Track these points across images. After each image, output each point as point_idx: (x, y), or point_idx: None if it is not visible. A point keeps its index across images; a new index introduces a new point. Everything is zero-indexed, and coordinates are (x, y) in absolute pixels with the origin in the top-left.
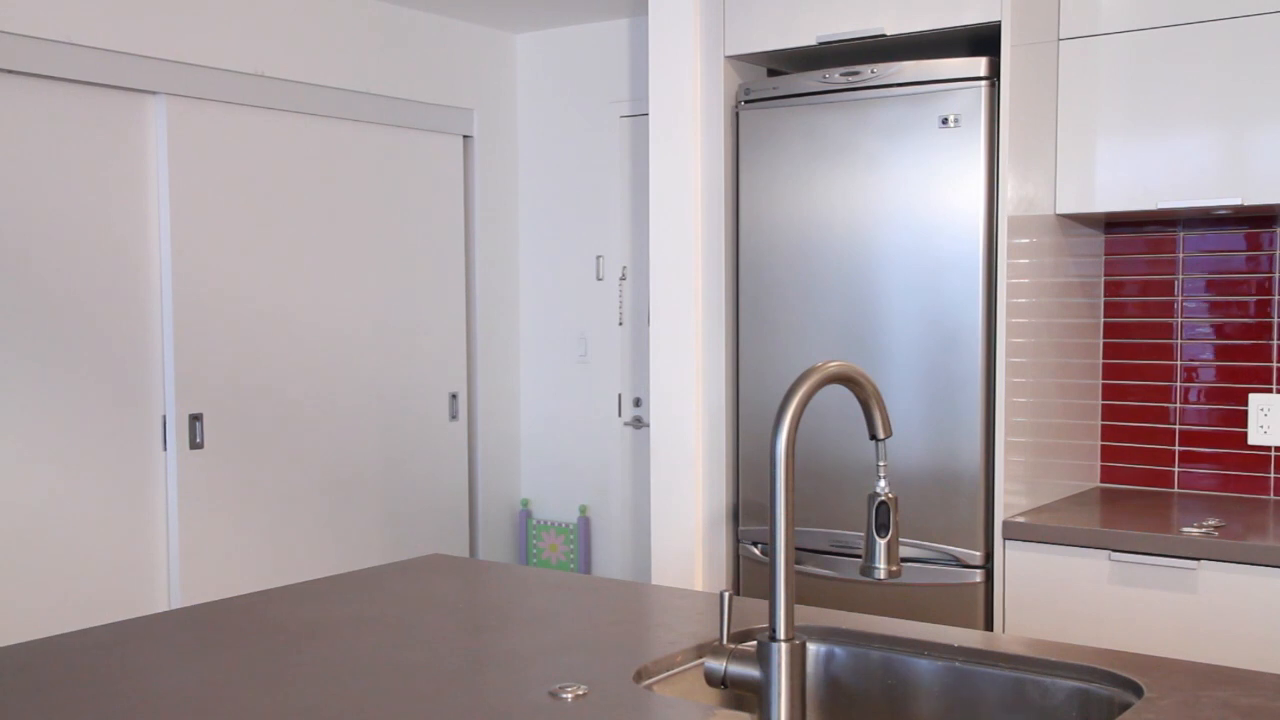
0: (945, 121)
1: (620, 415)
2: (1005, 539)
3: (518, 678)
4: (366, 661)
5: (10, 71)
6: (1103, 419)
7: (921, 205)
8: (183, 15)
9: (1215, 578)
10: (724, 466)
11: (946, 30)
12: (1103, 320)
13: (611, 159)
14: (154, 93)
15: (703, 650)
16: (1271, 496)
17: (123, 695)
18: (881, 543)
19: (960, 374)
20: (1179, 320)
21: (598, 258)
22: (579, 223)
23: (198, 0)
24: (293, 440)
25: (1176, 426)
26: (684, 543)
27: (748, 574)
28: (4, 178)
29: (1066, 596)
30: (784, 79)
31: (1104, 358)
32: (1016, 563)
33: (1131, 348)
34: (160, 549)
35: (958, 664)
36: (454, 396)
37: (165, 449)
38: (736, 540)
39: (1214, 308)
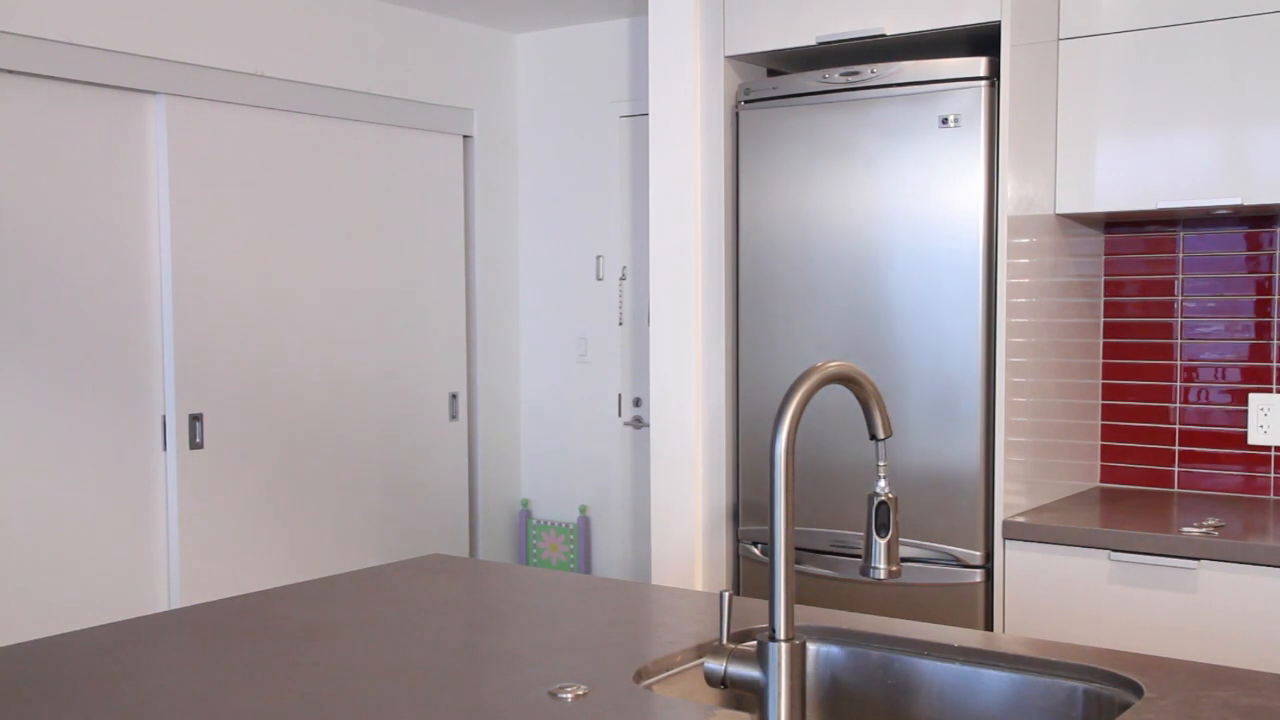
0: (945, 121)
1: (620, 415)
2: (1005, 539)
3: (518, 678)
4: (366, 661)
5: (10, 71)
6: (1103, 419)
7: (921, 205)
8: (183, 15)
9: (1215, 578)
10: (724, 466)
11: (946, 30)
12: (1103, 320)
13: (611, 159)
14: (154, 93)
15: (703, 650)
16: (1271, 496)
17: (123, 695)
18: (881, 543)
19: (960, 374)
20: (1179, 320)
21: (598, 258)
22: (579, 223)
23: (198, 0)
24: (293, 440)
25: (1176, 426)
26: (684, 543)
27: (748, 574)
28: (4, 178)
29: (1066, 596)
30: (784, 79)
31: (1104, 358)
32: (1016, 563)
33: (1131, 348)
34: (160, 549)
35: (958, 664)
36: (454, 396)
37: (165, 449)
38: (736, 540)
39: (1214, 308)
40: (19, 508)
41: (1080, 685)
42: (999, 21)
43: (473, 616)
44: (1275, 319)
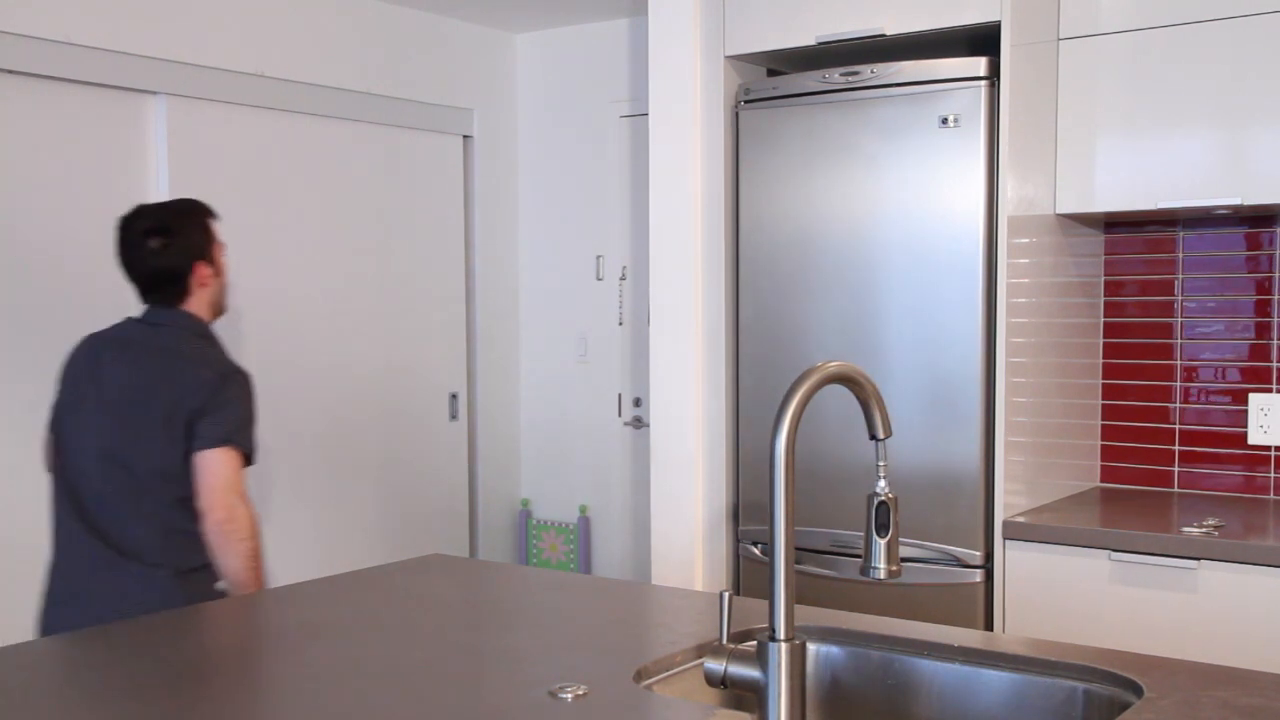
0: (945, 121)
1: (620, 415)
2: (1005, 539)
3: (518, 678)
4: (366, 661)
5: (10, 71)
6: (1103, 419)
7: (921, 205)
8: (183, 15)
9: (1215, 578)
10: (724, 466)
11: (946, 30)
12: (1103, 320)
13: (611, 159)
14: (154, 93)
15: (703, 650)
16: (1271, 496)
17: (122, 695)
18: (881, 543)
19: (960, 374)
20: (1179, 320)
21: (598, 258)
22: (579, 223)
23: (198, 0)
24: (292, 440)
25: (1176, 426)
26: (684, 543)
27: (748, 574)
28: (4, 178)
29: (1066, 596)
30: (784, 79)
31: (1104, 358)
32: (1016, 563)
33: (1131, 348)
34: None
35: (958, 664)
36: (454, 396)
37: None
38: (736, 540)
39: (1214, 308)
40: (19, 508)
41: (1080, 685)
42: (999, 21)
43: (473, 616)
44: (1275, 319)
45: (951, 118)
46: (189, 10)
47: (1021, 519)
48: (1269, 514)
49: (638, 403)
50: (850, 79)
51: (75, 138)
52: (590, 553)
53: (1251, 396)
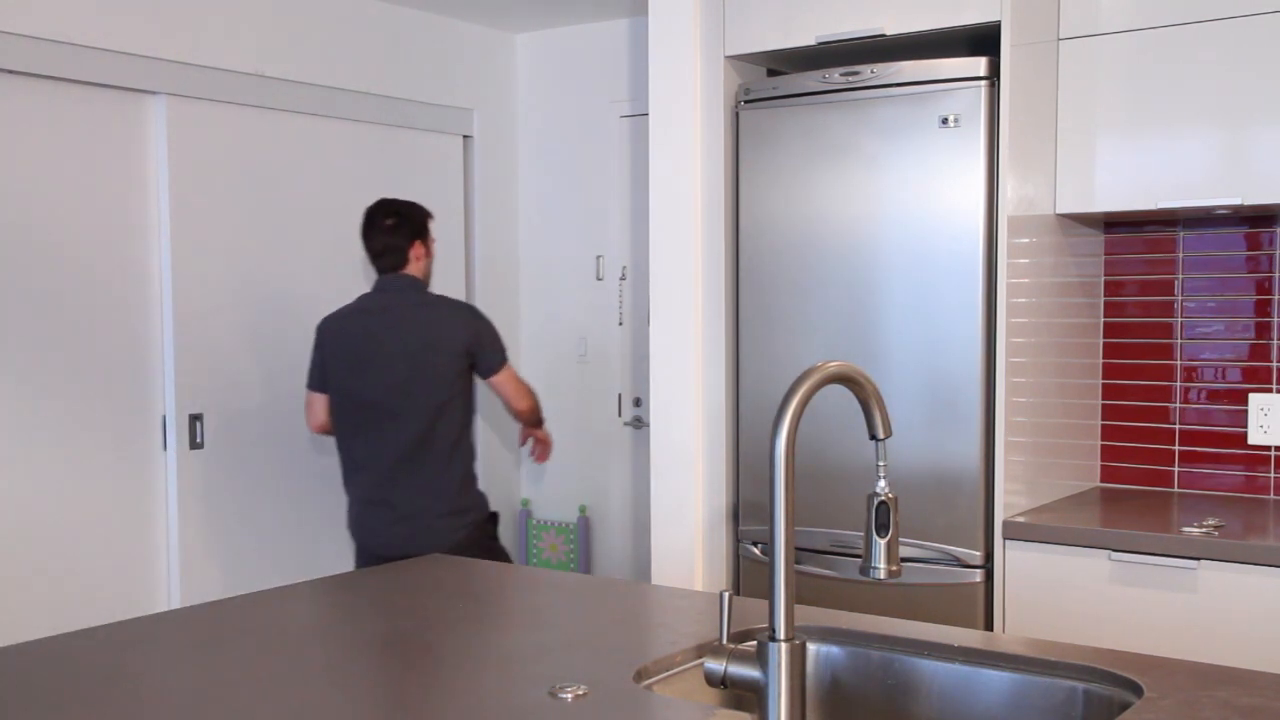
0: (945, 121)
1: (620, 415)
2: (1005, 539)
3: (518, 677)
4: (365, 662)
5: (10, 71)
6: (1103, 419)
7: (921, 205)
8: (183, 15)
9: (1215, 578)
10: (724, 466)
11: (946, 30)
12: (1103, 320)
13: (611, 159)
14: (154, 93)
15: (703, 650)
16: (1271, 496)
17: (123, 695)
18: (881, 543)
19: (960, 374)
20: (1179, 320)
21: (598, 258)
22: (579, 223)
23: (198, 0)
24: (293, 440)
25: (1176, 426)
26: (684, 543)
27: (748, 574)
28: (4, 178)
29: (1066, 596)
30: (784, 79)
31: (1104, 358)
32: (1016, 563)
33: (1131, 348)
34: (160, 549)
35: (958, 664)
36: None
37: (165, 449)
38: (736, 540)
39: (1214, 308)
40: (19, 507)
41: (1080, 685)
42: (999, 21)
43: (473, 616)
44: (1275, 319)
45: (951, 118)
46: (189, 10)
47: (1021, 519)
48: (1269, 514)
49: (638, 403)
50: (850, 79)
51: (75, 138)
52: (590, 553)
53: (1251, 396)
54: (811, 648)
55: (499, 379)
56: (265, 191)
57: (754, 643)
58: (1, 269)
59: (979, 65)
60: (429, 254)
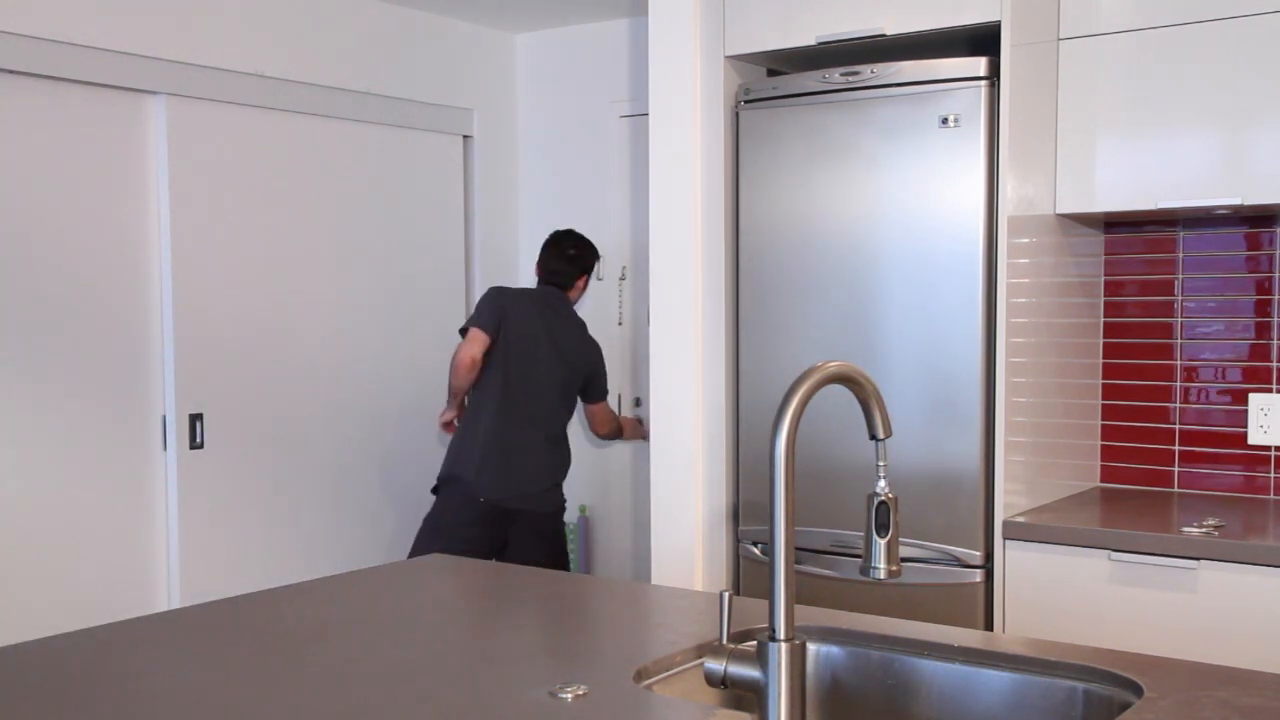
0: (945, 121)
1: (620, 415)
2: (1005, 539)
3: (518, 678)
4: (366, 661)
5: (10, 71)
6: (1103, 419)
7: (921, 205)
8: (183, 15)
9: (1215, 578)
10: (724, 466)
11: (946, 30)
12: (1103, 320)
13: (611, 159)
14: (154, 93)
15: (703, 650)
16: (1271, 496)
17: (123, 695)
18: (881, 543)
19: (960, 374)
20: (1179, 320)
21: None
22: (579, 223)
23: (198, 0)
24: (292, 440)
25: (1176, 426)
26: (684, 543)
27: (748, 574)
28: (4, 178)
29: (1066, 596)
30: (784, 79)
31: (1104, 358)
32: (1016, 563)
33: (1131, 348)
34: (160, 549)
35: (958, 664)
36: None
37: (165, 449)
38: (736, 540)
39: (1214, 308)
40: (19, 508)
41: (1080, 685)
42: (999, 21)
43: (473, 616)
44: (1275, 319)
45: (951, 118)
46: (189, 10)
47: (1021, 519)
48: (1269, 514)
49: (638, 403)
50: (850, 79)
51: (75, 138)
52: (590, 553)
53: (1251, 396)
54: (811, 648)
55: (596, 408)
56: (265, 191)
57: (754, 643)
58: (1, 269)
59: (979, 65)
60: (584, 290)
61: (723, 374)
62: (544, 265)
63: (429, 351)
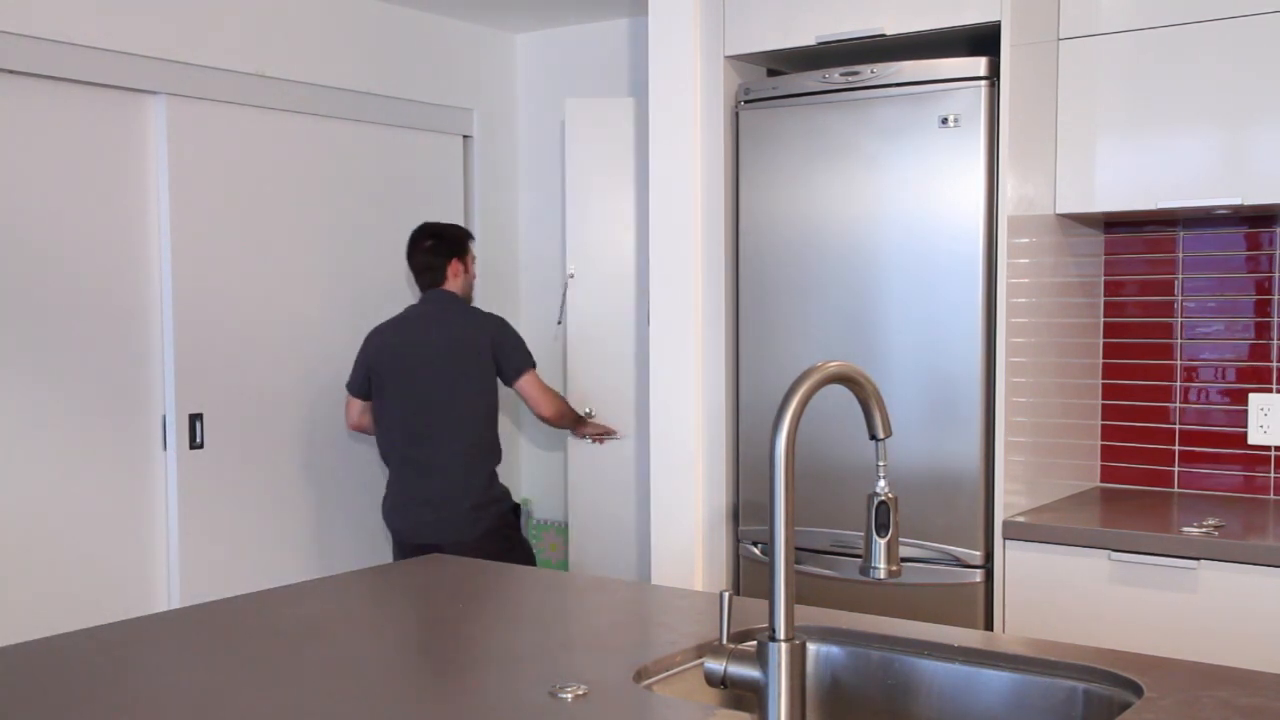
0: (945, 121)
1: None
2: (1005, 539)
3: (518, 678)
4: (366, 661)
5: (10, 71)
6: (1103, 419)
7: (921, 205)
8: (183, 15)
9: (1215, 578)
10: (724, 466)
11: (946, 30)
12: (1103, 320)
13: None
14: (154, 93)
15: (703, 650)
16: (1271, 496)
17: (123, 695)
18: (881, 543)
19: (960, 374)
20: (1179, 320)
21: None
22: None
23: (198, 0)
24: (293, 440)
25: (1176, 426)
26: (684, 543)
27: (748, 574)
28: (4, 178)
29: (1066, 596)
30: (784, 79)
31: (1104, 358)
32: (1016, 563)
33: (1131, 348)
34: (160, 549)
35: (958, 664)
36: None
37: (165, 449)
38: (736, 540)
39: (1214, 308)
40: (19, 508)
41: (1080, 685)
42: (999, 21)
43: (473, 616)
44: (1275, 319)
45: (951, 118)
46: (189, 10)
47: (1021, 519)
48: (1269, 514)
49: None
50: (850, 79)
51: (75, 138)
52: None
53: (1251, 396)
54: (811, 648)
55: (521, 384)
56: (265, 191)
57: (754, 643)
58: (1, 269)
59: (979, 65)
60: (468, 271)
61: (723, 374)
62: (412, 271)
63: None
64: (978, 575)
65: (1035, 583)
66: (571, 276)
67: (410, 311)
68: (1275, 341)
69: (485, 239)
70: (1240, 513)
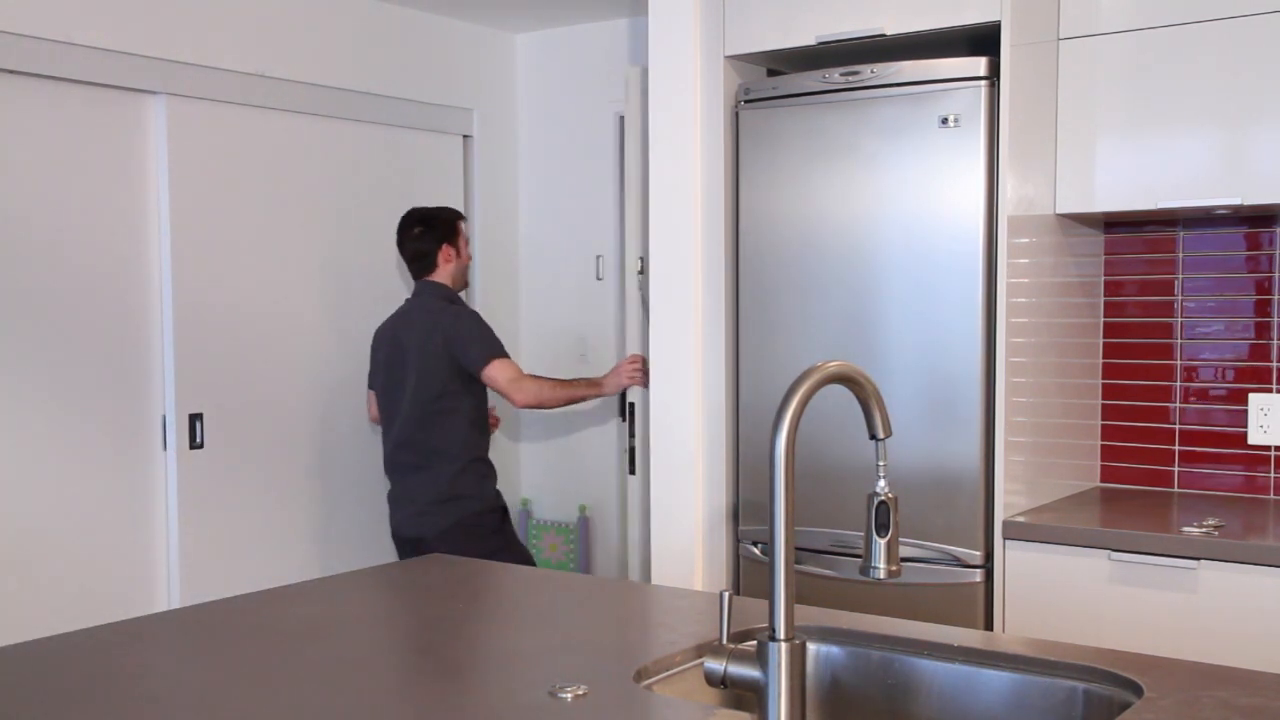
0: (945, 121)
1: (620, 415)
2: (1005, 539)
3: (518, 678)
4: (366, 661)
5: (10, 71)
6: (1103, 419)
7: (921, 205)
8: (183, 15)
9: (1215, 578)
10: (724, 466)
11: (946, 30)
12: (1103, 320)
13: (611, 159)
14: (154, 93)
15: (703, 650)
16: (1271, 496)
17: (123, 695)
18: (881, 543)
19: (960, 374)
20: (1179, 320)
21: (598, 258)
22: (579, 223)
23: (198, 0)
24: (293, 440)
25: (1176, 426)
26: (684, 543)
27: (748, 574)
28: (4, 178)
29: (1066, 596)
30: (784, 79)
31: (1104, 358)
32: (1016, 563)
33: (1131, 348)
34: (160, 549)
35: (958, 664)
36: None
37: (165, 449)
38: (736, 540)
39: (1214, 308)
40: (19, 508)
41: (1080, 685)
42: (999, 21)
43: (473, 616)
44: (1275, 319)
45: (951, 118)
46: (189, 10)
47: (1021, 519)
48: (1269, 514)
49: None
50: (850, 79)
51: (75, 138)
52: (590, 553)
53: (1251, 396)
54: (811, 648)
55: (486, 375)
56: (265, 191)
57: (754, 643)
58: (1, 269)
59: (979, 65)
60: (460, 255)
61: (723, 374)
62: (403, 258)
63: None
64: (978, 575)
65: (1035, 583)
66: (641, 273)
67: (400, 309)
68: (1275, 341)
69: (485, 239)
70: (1240, 513)
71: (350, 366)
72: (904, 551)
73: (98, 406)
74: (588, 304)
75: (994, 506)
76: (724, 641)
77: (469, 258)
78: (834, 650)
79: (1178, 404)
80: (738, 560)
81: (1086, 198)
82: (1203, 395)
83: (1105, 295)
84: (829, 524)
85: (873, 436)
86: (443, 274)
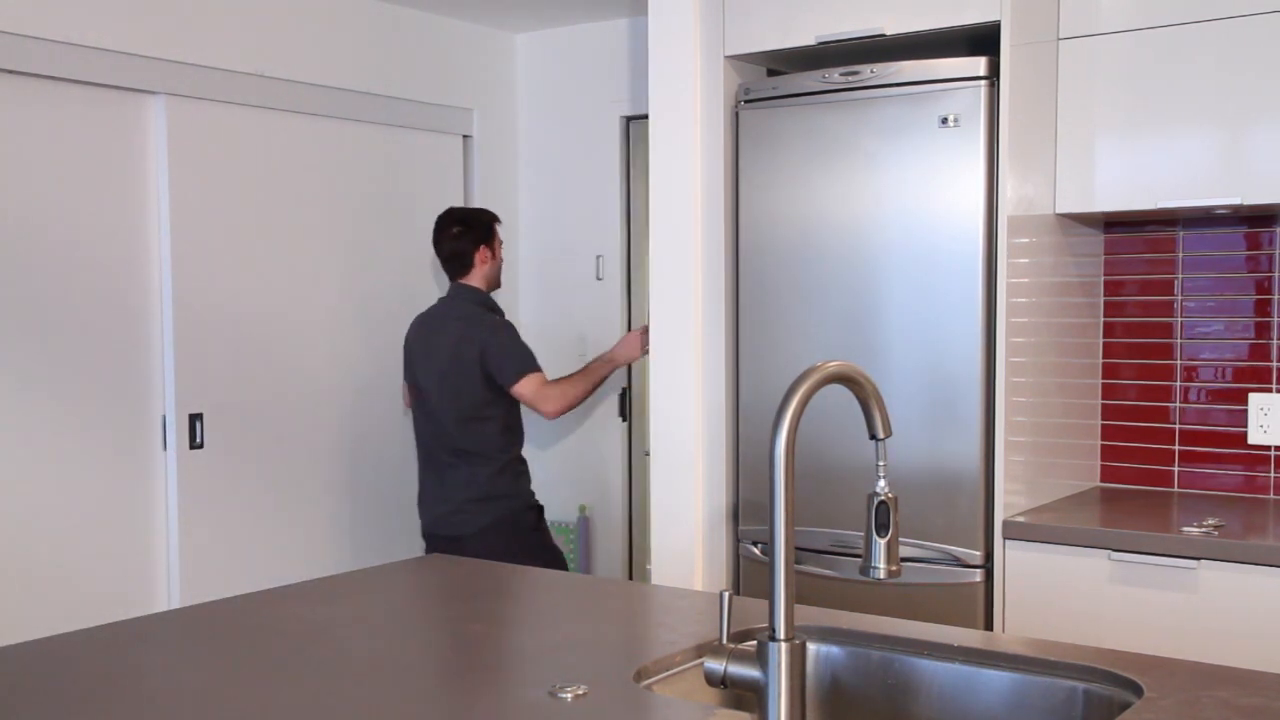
0: (945, 121)
1: (620, 415)
2: (1005, 539)
3: (518, 678)
4: (366, 661)
5: (10, 71)
6: (1103, 419)
7: (921, 205)
8: (183, 15)
9: (1215, 578)
10: (724, 466)
11: (946, 30)
12: (1103, 320)
13: (612, 159)
14: (154, 93)
15: (703, 650)
16: (1271, 496)
17: (123, 695)
18: (881, 543)
19: (960, 374)
20: (1179, 320)
21: (598, 258)
22: (579, 223)
23: (198, 0)
24: (293, 440)
25: (1176, 426)
26: (684, 543)
27: (748, 574)
28: (4, 178)
29: (1066, 596)
30: (784, 79)
31: (1104, 358)
32: (1016, 562)
33: (1131, 347)
34: (160, 549)
35: (958, 664)
36: None
37: (165, 449)
38: (736, 540)
39: (1214, 308)
40: (19, 508)
41: (1080, 685)
42: (999, 21)
43: (473, 616)
44: (1275, 319)
45: (951, 118)
46: (189, 10)
47: (1021, 519)
48: (1269, 514)
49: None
50: (850, 79)
51: (75, 138)
52: (590, 553)
53: (1251, 396)
54: (811, 648)
55: (520, 391)
56: (265, 191)
57: (754, 643)
58: (1, 269)
59: (979, 65)
60: (495, 257)
61: (723, 374)
62: (439, 258)
63: None
64: (978, 575)
65: (1035, 583)
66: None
67: (435, 308)
68: (1275, 341)
69: None
70: (1240, 513)
71: (351, 366)
72: (904, 551)
73: (98, 406)
74: (588, 304)
75: (994, 506)
76: (724, 641)
77: (501, 261)
78: (834, 650)
79: (1178, 404)
80: (738, 560)
81: (1086, 197)
82: (1202, 395)
83: (1105, 295)
84: (829, 524)
85: (873, 436)
86: (478, 275)
